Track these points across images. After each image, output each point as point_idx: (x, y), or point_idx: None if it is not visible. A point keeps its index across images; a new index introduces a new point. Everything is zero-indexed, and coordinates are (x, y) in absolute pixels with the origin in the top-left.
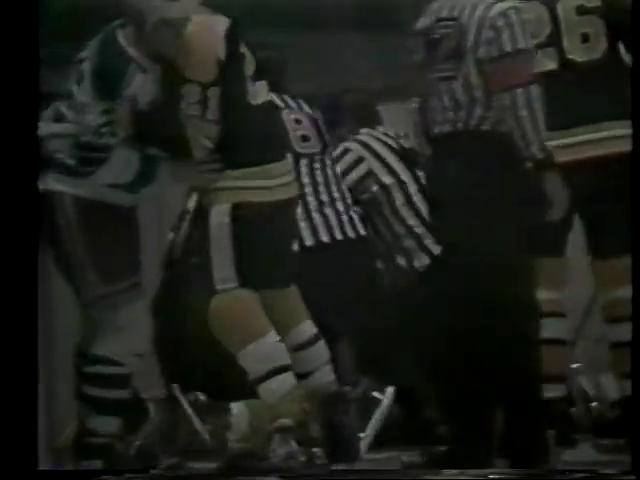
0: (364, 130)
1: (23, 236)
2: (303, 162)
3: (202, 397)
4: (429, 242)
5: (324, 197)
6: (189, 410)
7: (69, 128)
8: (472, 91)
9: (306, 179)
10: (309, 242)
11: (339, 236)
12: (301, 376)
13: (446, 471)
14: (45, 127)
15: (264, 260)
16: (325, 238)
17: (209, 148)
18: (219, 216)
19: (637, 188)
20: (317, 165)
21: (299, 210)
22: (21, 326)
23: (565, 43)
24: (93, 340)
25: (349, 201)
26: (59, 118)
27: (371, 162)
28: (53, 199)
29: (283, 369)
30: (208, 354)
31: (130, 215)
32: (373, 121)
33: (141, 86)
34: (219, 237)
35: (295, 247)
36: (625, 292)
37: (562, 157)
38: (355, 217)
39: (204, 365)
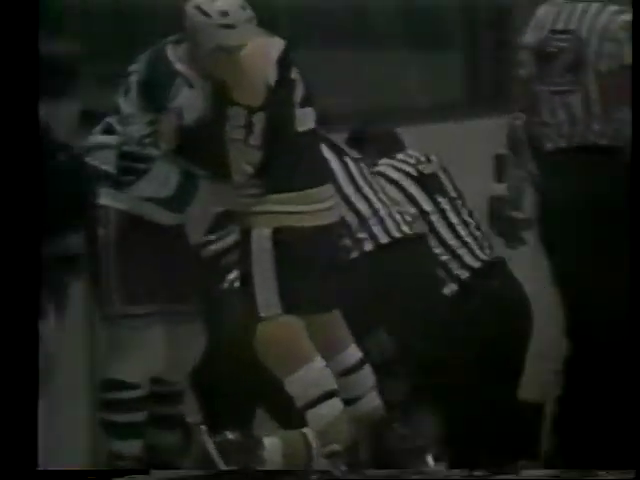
0: (382, 161)
1: (27, 244)
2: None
3: (231, 436)
4: (455, 267)
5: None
6: (214, 453)
7: (114, 139)
8: (591, 105)
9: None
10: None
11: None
12: (347, 402)
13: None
14: (92, 138)
15: (307, 285)
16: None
17: (249, 173)
18: (261, 241)
19: (637, 188)
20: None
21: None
22: (22, 327)
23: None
24: (108, 364)
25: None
26: (108, 131)
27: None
28: (95, 211)
29: (331, 394)
30: (246, 382)
31: (171, 235)
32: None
33: (187, 101)
34: (261, 263)
35: (335, 272)
36: None
37: None
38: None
39: (240, 394)
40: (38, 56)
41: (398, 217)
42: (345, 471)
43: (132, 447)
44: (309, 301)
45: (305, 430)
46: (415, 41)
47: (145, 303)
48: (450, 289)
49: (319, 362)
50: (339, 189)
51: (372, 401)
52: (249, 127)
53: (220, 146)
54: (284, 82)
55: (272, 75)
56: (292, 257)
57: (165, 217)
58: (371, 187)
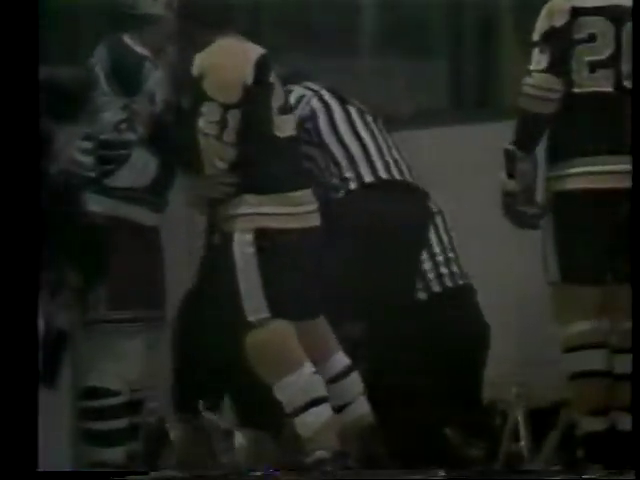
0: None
1: (24, 248)
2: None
3: (217, 419)
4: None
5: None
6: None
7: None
8: None
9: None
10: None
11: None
12: (336, 409)
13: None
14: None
15: (293, 290)
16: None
17: (221, 168)
18: (242, 246)
19: (637, 196)
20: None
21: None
22: (22, 326)
23: (624, 68)
24: (87, 372)
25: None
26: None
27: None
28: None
29: (320, 401)
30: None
31: (153, 238)
32: None
33: (157, 83)
34: (245, 267)
35: (320, 278)
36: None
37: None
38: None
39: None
40: (38, 54)
41: (390, 160)
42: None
43: (115, 455)
44: (296, 306)
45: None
46: (401, 50)
47: (128, 308)
48: (421, 296)
49: (308, 368)
50: (335, 130)
51: (361, 407)
52: (223, 123)
53: (193, 138)
54: (262, 86)
55: (249, 75)
56: (277, 261)
57: (146, 217)
58: (371, 132)
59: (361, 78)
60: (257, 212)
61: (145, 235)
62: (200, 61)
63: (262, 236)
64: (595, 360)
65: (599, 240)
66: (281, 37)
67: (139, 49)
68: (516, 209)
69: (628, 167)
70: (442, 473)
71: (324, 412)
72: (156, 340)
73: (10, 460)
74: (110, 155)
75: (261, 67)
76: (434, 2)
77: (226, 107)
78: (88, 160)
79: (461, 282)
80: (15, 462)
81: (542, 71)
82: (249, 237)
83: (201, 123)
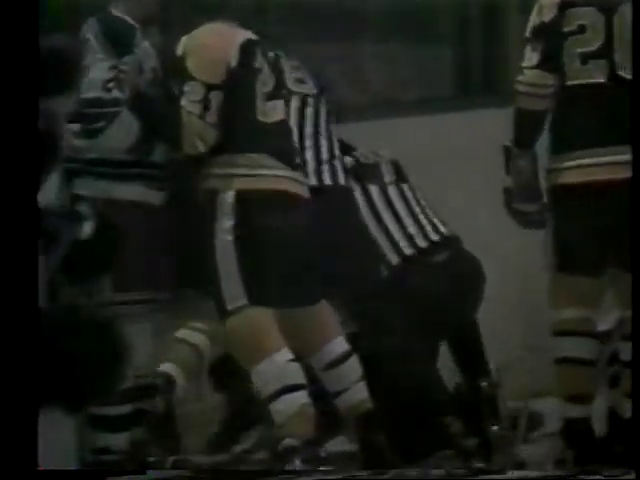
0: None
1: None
2: (294, 103)
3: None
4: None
5: (308, 142)
6: None
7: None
8: None
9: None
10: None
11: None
12: (334, 395)
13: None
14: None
15: (280, 278)
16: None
17: (201, 150)
18: (223, 234)
19: (637, 193)
20: (309, 108)
21: None
22: (22, 326)
23: (617, 57)
24: None
25: (336, 151)
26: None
27: None
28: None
29: (294, 388)
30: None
31: (156, 218)
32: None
33: (146, 53)
34: (224, 255)
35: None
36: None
37: (600, 175)
38: (338, 167)
39: None
40: (39, 52)
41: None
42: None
43: (118, 440)
44: (283, 294)
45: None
46: (407, 35)
47: (134, 290)
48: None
49: (284, 355)
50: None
51: (359, 393)
52: (205, 102)
53: (176, 114)
54: (247, 69)
55: (234, 57)
56: (258, 243)
57: (149, 196)
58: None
59: (364, 63)
60: (238, 173)
61: (145, 214)
62: (186, 40)
63: (243, 199)
64: (581, 347)
65: (596, 231)
66: (283, 24)
67: (128, 18)
68: (513, 207)
69: (625, 157)
70: (442, 472)
71: (298, 399)
72: (165, 324)
73: (10, 460)
74: (99, 113)
75: (246, 50)
76: None
77: (209, 87)
78: (76, 127)
79: (445, 234)
80: (15, 462)
81: (533, 67)
82: (230, 199)
83: (184, 102)
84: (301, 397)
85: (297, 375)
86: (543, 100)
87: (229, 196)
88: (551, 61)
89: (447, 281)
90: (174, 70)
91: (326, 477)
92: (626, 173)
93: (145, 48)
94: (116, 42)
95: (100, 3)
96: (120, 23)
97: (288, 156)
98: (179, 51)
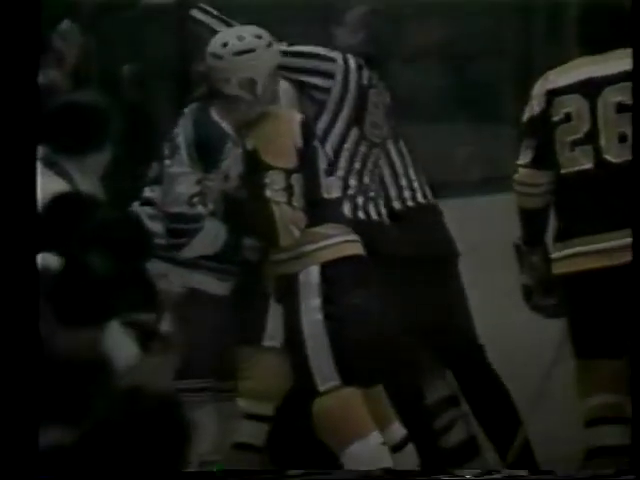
0: None
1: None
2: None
3: None
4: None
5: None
6: None
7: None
8: None
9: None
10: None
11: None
12: None
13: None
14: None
15: (360, 354)
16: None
17: (297, 237)
18: (311, 313)
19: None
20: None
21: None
22: (23, 326)
23: (602, 142)
24: None
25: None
26: (148, 203)
27: None
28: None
29: None
30: None
31: (220, 307)
32: None
33: (233, 161)
34: (314, 335)
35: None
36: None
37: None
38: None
39: None
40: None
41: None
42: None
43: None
44: (363, 371)
45: None
46: (466, 114)
47: (197, 377)
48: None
49: (376, 438)
50: None
51: None
52: (289, 189)
53: (267, 210)
54: (308, 148)
55: (298, 138)
56: (344, 317)
57: (215, 286)
58: None
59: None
60: (322, 246)
61: (213, 304)
62: (253, 133)
63: (326, 273)
64: (614, 434)
65: (608, 314)
66: None
67: (225, 125)
68: (532, 302)
69: (621, 242)
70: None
71: None
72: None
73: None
74: (182, 229)
75: (306, 129)
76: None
77: (288, 172)
78: (156, 227)
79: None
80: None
81: (525, 166)
82: (315, 277)
83: (269, 193)
84: None
85: (388, 458)
86: (539, 198)
87: (313, 273)
88: (544, 157)
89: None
90: (250, 165)
91: None
92: (625, 258)
93: (235, 156)
94: (206, 156)
95: None
96: (215, 131)
97: (345, 222)
98: (249, 145)
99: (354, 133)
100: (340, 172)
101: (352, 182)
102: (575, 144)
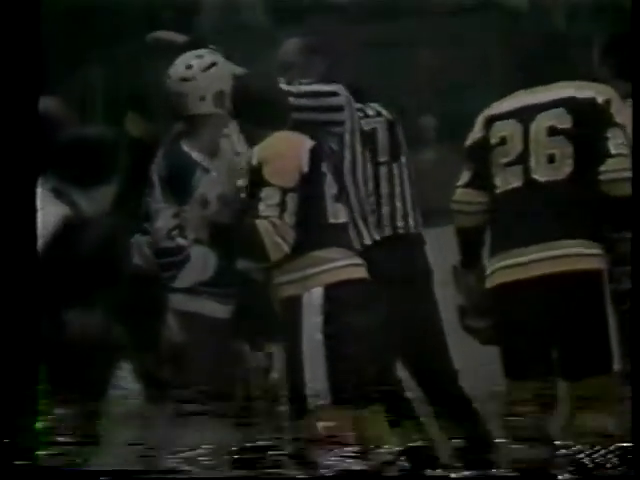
0: None
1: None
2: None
3: None
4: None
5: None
6: None
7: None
8: None
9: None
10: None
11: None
12: None
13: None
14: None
15: (363, 375)
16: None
17: (285, 251)
18: (311, 331)
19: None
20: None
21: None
22: (23, 326)
23: (532, 162)
24: None
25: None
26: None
27: None
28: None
29: None
30: None
31: (224, 329)
32: None
33: (208, 186)
34: (312, 353)
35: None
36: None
37: (521, 274)
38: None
39: None
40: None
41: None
42: None
43: None
44: (358, 393)
45: None
46: None
47: (199, 402)
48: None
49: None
50: None
51: None
52: (283, 205)
53: (252, 227)
54: (315, 173)
55: (304, 162)
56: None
57: (215, 309)
58: None
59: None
60: (316, 271)
61: (211, 327)
62: (260, 150)
63: (328, 295)
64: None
65: (536, 330)
66: None
67: (195, 154)
68: (465, 323)
69: (548, 254)
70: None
71: None
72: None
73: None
74: (168, 262)
75: (315, 156)
76: None
77: (284, 191)
78: (150, 254)
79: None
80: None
81: (463, 186)
82: (317, 298)
83: (261, 207)
84: None
85: None
86: (475, 217)
87: (316, 295)
88: (480, 178)
89: None
90: (250, 179)
91: None
92: (552, 269)
93: (211, 178)
94: (177, 189)
95: None
96: (184, 162)
97: (350, 245)
98: (254, 161)
99: (364, 158)
100: (352, 197)
101: (358, 205)
102: (508, 165)
